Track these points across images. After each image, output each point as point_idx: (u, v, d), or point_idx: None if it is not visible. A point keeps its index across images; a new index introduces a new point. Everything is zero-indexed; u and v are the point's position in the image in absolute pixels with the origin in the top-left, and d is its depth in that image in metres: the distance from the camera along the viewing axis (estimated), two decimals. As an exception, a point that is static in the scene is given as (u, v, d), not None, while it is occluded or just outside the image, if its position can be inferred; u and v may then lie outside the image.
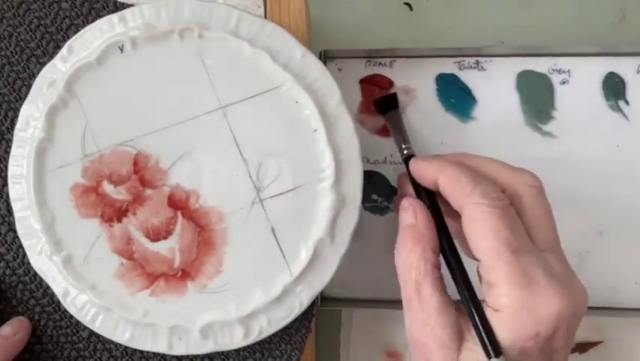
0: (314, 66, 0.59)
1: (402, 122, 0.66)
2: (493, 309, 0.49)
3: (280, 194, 0.58)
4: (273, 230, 0.58)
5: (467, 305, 0.51)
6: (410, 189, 0.60)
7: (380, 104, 0.68)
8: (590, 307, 0.67)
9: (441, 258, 0.55)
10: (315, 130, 0.58)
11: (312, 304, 0.60)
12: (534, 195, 0.53)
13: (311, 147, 0.58)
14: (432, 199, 0.57)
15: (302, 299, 0.58)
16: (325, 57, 0.71)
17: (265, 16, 0.65)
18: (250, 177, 0.58)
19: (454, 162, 0.55)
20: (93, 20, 0.61)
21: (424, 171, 0.57)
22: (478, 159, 0.56)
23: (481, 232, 0.50)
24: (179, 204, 0.58)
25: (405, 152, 0.62)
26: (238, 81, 0.58)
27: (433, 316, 0.51)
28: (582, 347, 0.70)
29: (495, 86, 0.70)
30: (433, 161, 0.56)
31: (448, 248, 0.55)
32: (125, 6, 0.63)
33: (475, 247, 0.51)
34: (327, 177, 0.57)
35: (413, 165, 0.58)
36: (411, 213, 0.56)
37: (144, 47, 0.58)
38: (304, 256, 0.57)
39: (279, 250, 0.58)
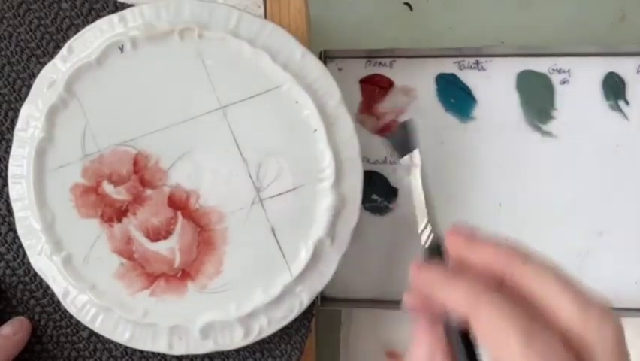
0: (314, 66, 0.59)
1: (428, 183, 0.52)
2: None
3: (280, 194, 0.58)
4: (273, 230, 0.58)
5: None
6: (426, 295, 0.43)
7: (393, 140, 0.56)
8: (590, 308, 0.67)
9: None
10: (315, 130, 0.58)
11: (312, 304, 0.60)
12: (610, 348, 0.37)
13: (311, 147, 0.58)
14: (465, 338, 0.43)
15: (302, 299, 0.58)
16: (325, 57, 0.71)
17: (265, 16, 0.65)
18: (250, 177, 0.58)
19: (496, 293, 0.39)
20: (93, 20, 0.61)
21: (451, 301, 0.41)
22: (535, 277, 0.40)
23: None
24: (179, 204, 0.58)
25: (424, 232, 0.48)
26: (238, 81, 0.58)
27: None
28: (582, 347, 0.69)
29: (495, 86, 0.70)
30: (464, 284, 0.40)
31: None
32: (125, 6, 0.63)
33: None
34: (327, 177, 0.57)
35: (435, 286, 0.42)
36: (425, 352, 0.42)
37: (144, 47, 0.58)
38: (304, 256, 0.57)
39: (279, 250, 0.58)
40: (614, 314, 0.38)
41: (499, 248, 0.42)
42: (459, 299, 0.40)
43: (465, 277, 0.41)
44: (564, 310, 0.38)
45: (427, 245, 0.48)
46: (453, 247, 0.44)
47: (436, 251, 0.47)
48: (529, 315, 0.38)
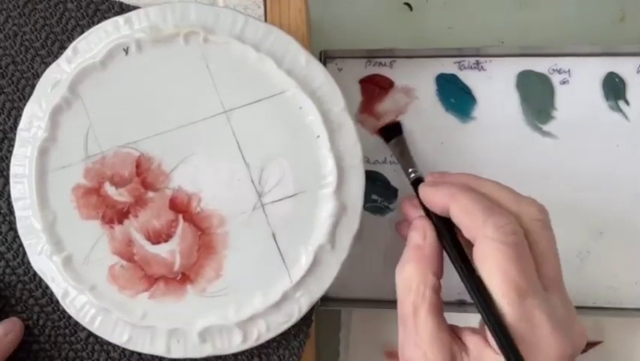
0: (318, 72, 0.59)
1: (407, 148, 0.67)
2: (495, 352, 0.49)
3: (282, 199, 0.58)
4: (273, 235, 0.58)
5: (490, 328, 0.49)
6: (416, 213, 0.59)
7: (385, 132, 0.69)
8: (590, 307, 0.68)
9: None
10: (318, 136, 0.57)
11: (311, 310, 0.60)
12: (539, 229, 0.52)
13: (314, 153, 0.58)
14: (446, 223, 0.56)
15: (301, 305, 0.58)
16: (325, 57, 0.70)
17: (265, 16, 0.65)
18: (252, 181, 0.58)
19: (465, 189, 0.54)
20: (99, 21, 0.62)
21: (435, 199, 0.55)
22: (488, 185, 0.55)
23: (490, 269, 0.49)
24: (180, 207, 0.58)
25: (412, 175, 0.62)
26: (242, 86, 0.58)
27: (426, 340, 0.51)
28: (582, 347, 0.70)
29: (495, 86, 0.70)
30: (443, 188, 0.55)
31: (462, 271, 0.53)
32: (130, 8, 0.63)
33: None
34: (329, 184, 0.57)
35: (423, 192, 0.57)
36: (420, 234, 0.56)
37: (149, 49, 0.58)
38: (304, 261, 0.57)
39: (279, 256, 0.58)
40: (543, 208, 0.53)
41: (462, 174, 0.58)
42: (442, 196, 0.54)
43: (444, 184, 0.56)
44: (507, 200, 0.53)
45: (411, 180, 0.62)
46: (432, 178, 0.60)
47: (417, 184, 0.60)
48: (488, 201, 0.52)
